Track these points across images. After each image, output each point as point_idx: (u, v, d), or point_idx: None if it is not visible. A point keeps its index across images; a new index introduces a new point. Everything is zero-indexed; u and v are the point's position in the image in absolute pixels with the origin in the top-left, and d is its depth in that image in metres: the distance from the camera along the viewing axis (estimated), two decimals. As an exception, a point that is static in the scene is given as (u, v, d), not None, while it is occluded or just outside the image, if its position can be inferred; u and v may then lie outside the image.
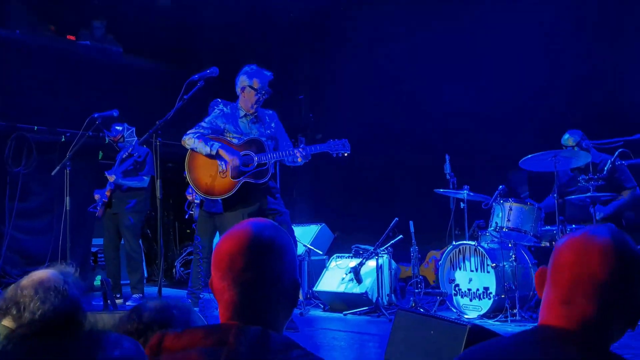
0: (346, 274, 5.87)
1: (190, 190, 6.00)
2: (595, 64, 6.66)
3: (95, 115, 5.68)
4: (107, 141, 6.68)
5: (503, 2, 7.11)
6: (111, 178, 6.05)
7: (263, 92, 4.64)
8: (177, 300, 1.78)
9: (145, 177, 6.25)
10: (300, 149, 4.48)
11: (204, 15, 8.85)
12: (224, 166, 4.54)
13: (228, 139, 4.66)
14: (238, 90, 4.71)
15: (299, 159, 4.51)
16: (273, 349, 1.25)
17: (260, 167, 4.52)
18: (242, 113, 4.72)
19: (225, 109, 4.76)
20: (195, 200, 5.76)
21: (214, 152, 4.54)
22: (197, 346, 1.27)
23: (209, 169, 4.59)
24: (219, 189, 4.59)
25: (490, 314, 5.06)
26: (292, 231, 4.82)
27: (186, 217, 6.43)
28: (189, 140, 4.64)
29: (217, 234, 5.61)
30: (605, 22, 6.61)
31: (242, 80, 4.67)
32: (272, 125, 4.79)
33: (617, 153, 4.64)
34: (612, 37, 6.58)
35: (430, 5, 7.92)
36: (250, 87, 4.62)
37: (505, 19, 7.05)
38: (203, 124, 4.71)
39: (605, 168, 4.70)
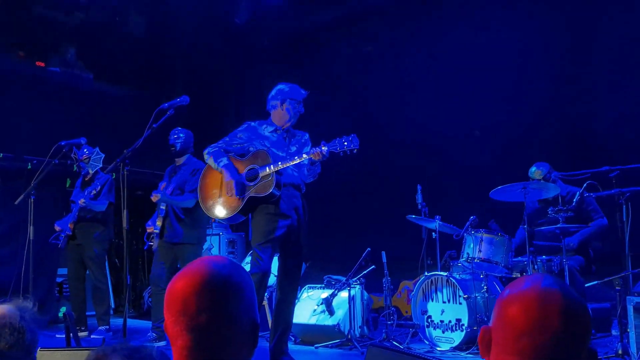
0: (318, 305, 5.78)
1: (150, 222, 5.86)
2: (563, 97, 6.80)
3: (62, 143, 5.61)
4: (75, 169, 6.56)
5: (475, 35, 7.24)
6: (81, 202, 5.87)
7: (300, 106, 4.57)
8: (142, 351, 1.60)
9: (104, 201, 6.07)
10: (317, 148, 4.17)
11: (176, 43, 8.84)
12: (228, 186, 4.43)
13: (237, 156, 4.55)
14: (276, 103, 4.57)
15: (317, 156, 4.15)
16: (231, 398, 1.18)
17: (264, 180, 4.33)
18: (271, 128, 4.59)
19: (252, 123, 4.65)
20: (155, 231, 5.65)
21: (219, 169, 4.45)
22: (149, 396, 1.20)
23: (218, 188, 4.47)
24: (226, 208, 4.45)
25: (462, 346, 5.02)
26: (298, 274, 4.58)
27: (145, 248, 6.30)
28: (206, 155, 4.57)
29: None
30: (572, 56, 6.76)
31: (282, 94, 4.56)
32: (302, 141, 4.64)
33: (585, 185, 4.69)
34: (580, 71, 6.73)
35: (403, 32, 8.04)
36: (292, 99, 4.53)
37: (476, 52, 7.17)
38: (226, 137, 4.62)
39: (574, 200, 4.75)
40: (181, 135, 5.72)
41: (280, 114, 4.59)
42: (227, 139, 4.61)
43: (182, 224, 5.63)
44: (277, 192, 4.33)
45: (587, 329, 1.17)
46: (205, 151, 4.60)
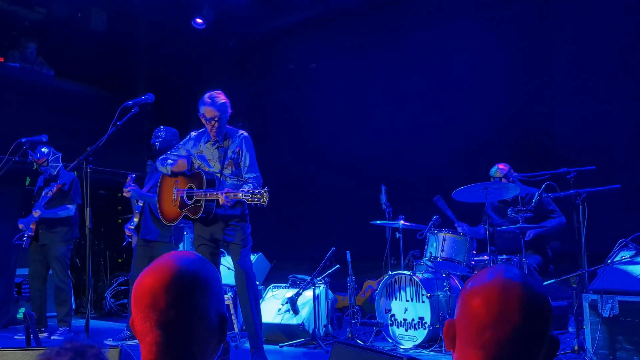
0: (283, 305, 5.80)
1: (128, 225, 5.81)
2: (522, 102, 6.97)
3: (23, 140, 5.50)
4: (34, 167, 6.42)
5: (438, 40, 7.36)
6: (36, 213, 5.74)
7: (207, 120, 4.43)
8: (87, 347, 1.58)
9: (69, 206, 5.95)
10: (223, 193, 4.19)
11: (139, 41, 8.72)
12: (175, 195, 4.50)
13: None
14: None
15: (221, 201, 4.24)
16: (201, 392, 1.19)
17: (196, 204, 4.39)
18: (206, 138, 4.56)
19: (193, 133, 4.66)
20: (131, 227, 5.63)
21: (168, 172, 4.53)
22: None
23: (169, 194, 4.56)
24: (167, 215, 4.59)
25: (425, 344, 5.10)
26: (248, 261, 4.57)
27: (124, 244, 6.21)
28: (157, 163, 4.66)
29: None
30: (533, 63, 6.95)
31: (200, 102, 4.51)
32: (236, 150, 4.52)
33: (544, 186, 4.82)
34: (540, 77, 6.91)
35: (367, 38, 8.12)
36: (202, 116, 4.47)
37: (439, 57, 7.30)
38: (177, 149, 4.66)
39: (534, 200, 4.88)
40: (161, 134, 5.61)
41: None
42: (176, 150, 4.66)
43: (156, 222, 5.56)
44: (204, 215, 4.38)
45: (548, 320, 1.19)
46: (157, 160, 4.72)
